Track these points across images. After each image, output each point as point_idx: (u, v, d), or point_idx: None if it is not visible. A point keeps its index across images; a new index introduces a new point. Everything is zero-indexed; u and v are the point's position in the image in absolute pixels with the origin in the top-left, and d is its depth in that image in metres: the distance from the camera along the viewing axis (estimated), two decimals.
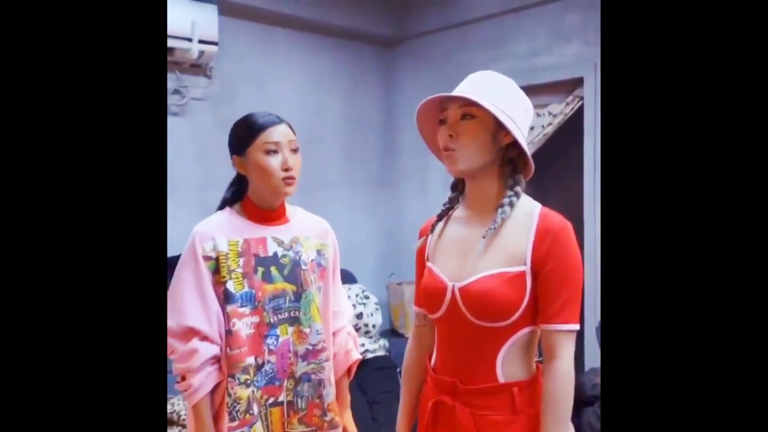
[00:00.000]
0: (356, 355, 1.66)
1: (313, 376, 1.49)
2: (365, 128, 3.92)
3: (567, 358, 1.14)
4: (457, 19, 3.59)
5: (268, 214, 1.51)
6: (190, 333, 1.38)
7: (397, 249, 4.03)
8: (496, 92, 1.18)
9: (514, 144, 1.19)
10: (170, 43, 2.73)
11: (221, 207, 1.54)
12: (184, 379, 1.39)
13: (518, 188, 1.21)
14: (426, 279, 1.28)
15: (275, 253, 1.48)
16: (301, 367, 1.48)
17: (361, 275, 3.67)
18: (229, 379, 1.39)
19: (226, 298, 1.41)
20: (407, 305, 3.60)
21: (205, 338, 1.39)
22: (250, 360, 1.41)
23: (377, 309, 3.36)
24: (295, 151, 1.47)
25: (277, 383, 1.45)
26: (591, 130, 3.07)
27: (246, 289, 1.43)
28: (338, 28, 3.58)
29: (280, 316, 1.46)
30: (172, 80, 2.96)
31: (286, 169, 1.43)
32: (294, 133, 1.49)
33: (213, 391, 1.41)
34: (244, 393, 1.40)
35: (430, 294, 1.25)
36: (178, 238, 1.60)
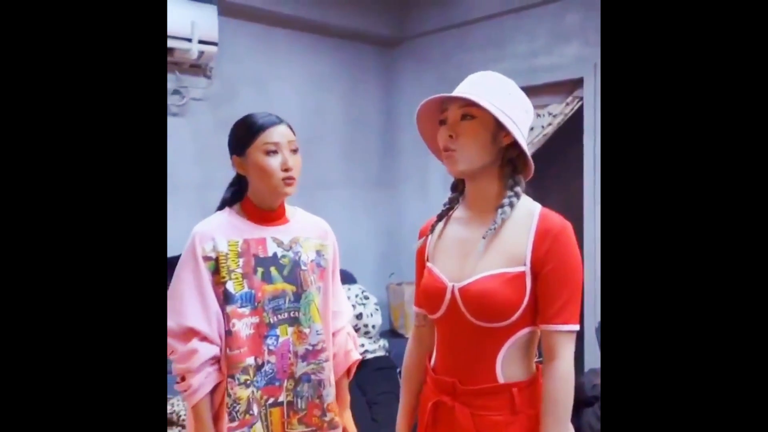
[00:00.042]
0: (356, 356, 1.66)
1: (312, 377, 1.49)
2: (365, 128, 3.92)
3: (567, 358, 1.14)
4: (457, 20, 3.60)
5: (268, 214, 1.51)
6: (190, 333, 1.38)
7: (396, 249, 4.03)
8: (496, 93, 1.18)
9: (514, 144, 1.19)
10: (170, 43, 2.73)
11: (221, 207, 1.54)
12: (183, 379, 1.39)
13: (518, 188, 1.21)
14: (426, 279, 1.28)
15: (275, 254, 1.48)
16: (300, 368, 1.48)
17: (361, 276, 3.67)
18: (229, 379, 1.39)
19: (225, 298, 1.41)
20: (407, 306, 3.60)
21: (204, 339, 1.39)
22: (250, 360, 1.41)
23: (377, 309, 3.36)
24: (294, 151, 1.47)
25: (277, 383, 1.45)
26: (591, 131, 3.07)
27: (246, 289, 1.43)
28: (338, 28, 3.59)
29: (279, 317, 1.46)
30: (171, 80, 2.96)
31: (286, 170, 1.43)
32: (294, 134, 1.49)
33: (213, 392, 1.41)
34: (243, 393, 1.39)
35: (429, 294, 1.25)
36: (178, 238, 1.60)
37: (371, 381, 2.97)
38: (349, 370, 1.66)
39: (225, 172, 1.57)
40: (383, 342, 3.33)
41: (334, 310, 1.61)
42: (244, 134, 1.45)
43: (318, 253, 1.56)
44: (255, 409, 1.41)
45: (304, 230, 1.56)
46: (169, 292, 1.41)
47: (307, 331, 1.48)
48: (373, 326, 3.30)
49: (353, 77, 3.82)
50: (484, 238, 1.18)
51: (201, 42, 2.84)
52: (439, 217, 1.32)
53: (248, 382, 1.40)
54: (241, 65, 3.26)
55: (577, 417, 2.52)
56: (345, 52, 3.76)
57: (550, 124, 3.21)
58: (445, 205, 1.33)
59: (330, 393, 1.53)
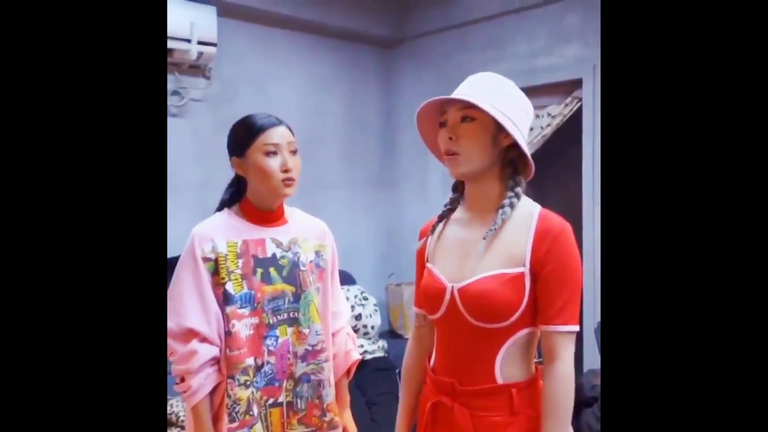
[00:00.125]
0: (355, 356, 1.67)
1: (312, 377, 1.50)
2: (365, 129, 3.92)
3: (567, 359, 1.14)
4: (457, 20, 3.60)
5: (267, 215, 1.51)
6: (190, 334, 1.38)
7: (396, 250, 4.03)
8: (496, 94, 1.18)
9: (515, 145, 1.19)
10: (169, 44, 2.73)
11: (220, 208, 1.54)
12: (183, 380, 1.39)
13: (519, 189, 1.21)
14: (425, 280, 1.28)
15: (274, 255, 1.48)
16: (300, 368, 1.48)
17: (361, 276, 3.66)
18: (229, 380, 1.39)
19: (225, 299, 1.41)
20: (406, 306, 3.60)
21: (204, 339, 1.39)
22: (250, 361, 1.41)
23: (376, 310, 3.36)
24: (294, 152, 1.47)
25: (277, 384, 1.45)
26: (590, 132, 3.07)
27: (245, 290, 1.43)
28: (338, 29, 3.59)
29: (279, 317, 1.46)
30: (171, 81, 2.96)
31: (286, 171, 1.44)
32: (293, 135, 1.49)
33: (212, 393, 1.41)
34: (243, 394, 1.40)
35: (429, 295, 1.25)
36: (178, 238, 1.60)
37: (371, 381, 2.97)
38: (348, 371, 1.66)
39: (224, 172, 1.57)
40: (382, 343, 3.33)
41: (334, 311, 1.61)
42: (244, 135, 1.45)
43: (317, 253, 1.56)
44: (255, 409, 1.41)
45: (303, 231, 1.56)
46: (168, 293, 1.41)
47: (306, 331, 1.48)
48: (373, 327, 3.30)
49: (353, 78, 3.82)
50: (484, 238, 1.18)
51: (200, 43, 2.84)
52: (440, 218, 1.32)
53: (248, 382, 1.40)
54: (241, 66, 3.26)
55: (576, 418, 2.51)
56: (345, 53, 3.76)
57: (549, 125, 3.21)
58: (446, 205, 1.33)
59: (330, 393, 1.53)
